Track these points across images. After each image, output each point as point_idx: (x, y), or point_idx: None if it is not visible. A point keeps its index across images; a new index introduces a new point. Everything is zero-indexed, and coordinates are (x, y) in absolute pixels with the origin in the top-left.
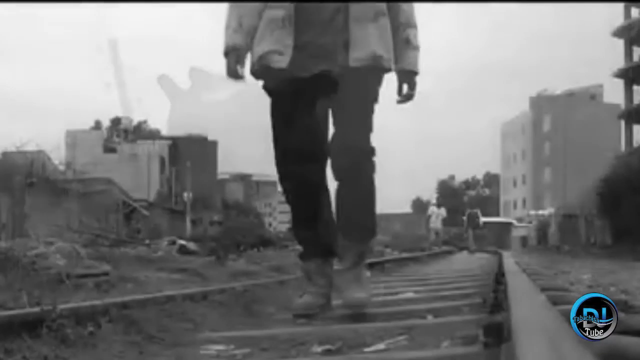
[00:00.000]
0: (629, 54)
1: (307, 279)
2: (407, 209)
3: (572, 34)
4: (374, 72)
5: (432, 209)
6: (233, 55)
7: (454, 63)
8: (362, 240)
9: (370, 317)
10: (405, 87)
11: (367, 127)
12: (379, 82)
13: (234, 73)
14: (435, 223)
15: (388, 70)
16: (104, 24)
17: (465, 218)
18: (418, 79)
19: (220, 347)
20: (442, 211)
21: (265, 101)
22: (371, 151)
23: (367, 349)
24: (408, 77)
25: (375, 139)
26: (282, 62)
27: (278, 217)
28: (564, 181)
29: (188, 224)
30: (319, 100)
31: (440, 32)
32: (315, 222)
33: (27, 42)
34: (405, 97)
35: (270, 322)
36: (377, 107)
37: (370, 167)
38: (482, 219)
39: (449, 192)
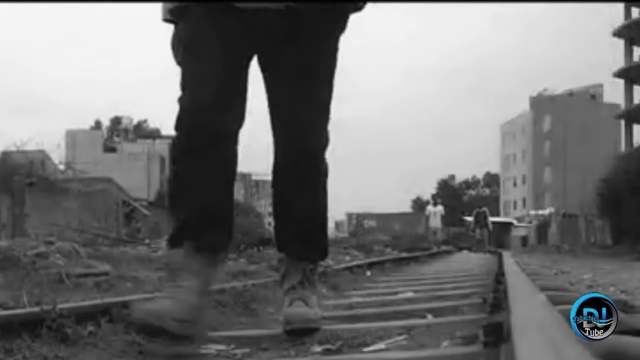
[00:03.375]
0: (629, 54)
1: (171, 274)
2: (407, 208)
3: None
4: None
5: (429, 208)
6: None
7: (454, 63)
8: (309, 259)
9: (371, 317)
10: None
11: (324, 109)
12: (341, 29)
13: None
14: (434, 221)
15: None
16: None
17: (472, 217)
18: (420, 79)
19: (220, 346)
20: (440, 208)
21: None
22: (324, 147)
23: (367, 348)
24: None
25: (375, 140)
26: None
27: None
28: (564, 181)
29: None
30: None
31: (440, 32)
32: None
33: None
34: None
35: (270, 322)
36: (377, 108)
37: (324, 168)
38: (491, 219)
39: (449, 192)
